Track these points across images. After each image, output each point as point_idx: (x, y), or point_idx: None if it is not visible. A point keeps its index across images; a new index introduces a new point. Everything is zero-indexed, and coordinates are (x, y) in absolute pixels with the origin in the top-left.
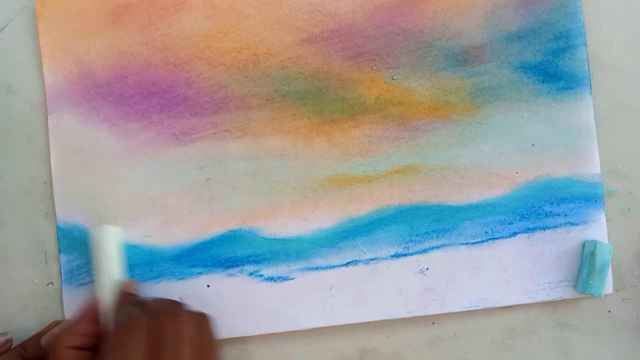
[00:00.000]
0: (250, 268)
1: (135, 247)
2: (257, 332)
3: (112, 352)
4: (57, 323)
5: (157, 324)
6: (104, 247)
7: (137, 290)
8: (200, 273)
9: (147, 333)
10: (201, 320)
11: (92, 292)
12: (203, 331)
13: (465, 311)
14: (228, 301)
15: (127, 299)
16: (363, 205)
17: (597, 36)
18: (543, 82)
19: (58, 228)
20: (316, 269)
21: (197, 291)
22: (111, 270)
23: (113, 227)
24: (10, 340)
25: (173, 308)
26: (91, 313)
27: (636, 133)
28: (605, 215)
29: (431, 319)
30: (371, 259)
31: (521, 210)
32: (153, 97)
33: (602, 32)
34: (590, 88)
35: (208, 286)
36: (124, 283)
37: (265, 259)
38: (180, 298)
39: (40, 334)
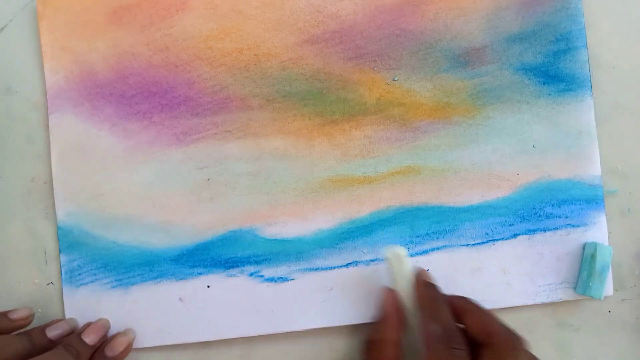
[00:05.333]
0: (251, 269)
1: (135, 247)
2: (257, 333)
3: None
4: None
5: None
6: None
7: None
8: (200, 273)
9: None
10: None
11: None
12: None
13: None
14: (228, 302)
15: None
16: (364, 206)
17: (597, 36)
18: (544, 84)
19: (58, 228)
20: (316, 269)
21: (197, 292)
22: None
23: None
24: (32, 315)
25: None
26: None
27: (636, 133)
28: (605, 215)
29: None
30: (371, 260)
31: (522, 211)
32: (154, 97)
33: (602, 32)
34: (591, 90)
35: (208, 287)
36: (418, 272)
37: (266, 259)
38: (180, 299)
39: (45, 326)
